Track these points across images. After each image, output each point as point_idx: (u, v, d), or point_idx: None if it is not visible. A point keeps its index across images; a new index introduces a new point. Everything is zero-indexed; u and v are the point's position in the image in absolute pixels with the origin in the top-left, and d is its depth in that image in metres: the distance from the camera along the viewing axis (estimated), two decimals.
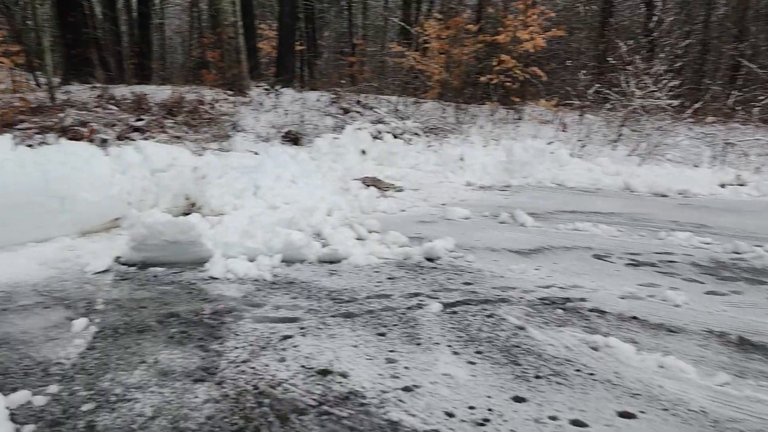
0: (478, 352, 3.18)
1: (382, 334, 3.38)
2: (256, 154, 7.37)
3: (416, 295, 4.03)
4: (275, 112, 12.48)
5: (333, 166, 7.11)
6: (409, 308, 3.78)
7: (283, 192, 6.21)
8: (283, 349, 3.18)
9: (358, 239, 5.20)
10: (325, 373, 2.92)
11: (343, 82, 15.74)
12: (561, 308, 3.85)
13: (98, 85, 13.66)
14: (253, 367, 2.98)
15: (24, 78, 16.67)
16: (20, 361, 2.98)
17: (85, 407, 2.58)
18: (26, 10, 18.71)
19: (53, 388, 2.72)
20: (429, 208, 7.16)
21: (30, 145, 9.56)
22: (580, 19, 20.83)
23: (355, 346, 3.23)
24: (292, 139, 10.33)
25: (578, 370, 3.02)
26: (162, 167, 5.53)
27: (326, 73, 19.92)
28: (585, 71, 13.96)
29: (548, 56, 15.81)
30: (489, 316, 3.69)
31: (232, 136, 10.18)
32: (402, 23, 18.46)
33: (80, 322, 3.39)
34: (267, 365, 3.00)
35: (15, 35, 16.57)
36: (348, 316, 3.66)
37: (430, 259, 4.84)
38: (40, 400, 2.62)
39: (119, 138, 10.19)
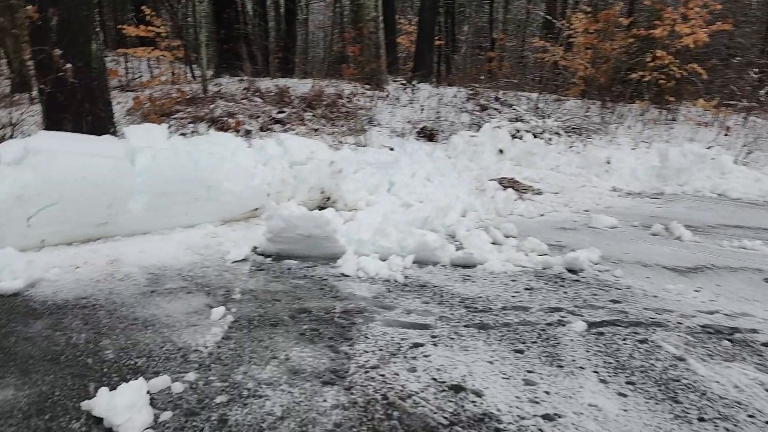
0: (630, 383, 2.83)
1: (520, 351, 3.13)
2: (391, 149, 7.32)
3: (557, 310, 3.72)
4: (411, 108, 12.44)
5: (469, 165, 6.87)
6: (549, 324, 3.49)
7: (418, 190, 6.08)
8: (414, 358, 3.03)
9: (493, 244, 4.94)
10: (457, 389, 2.73)
11: (481, 77, 15.39)
12: (728, 339, 3.37)
13: (246, 78, 14.40)
14: (382, 375, 2.86)
15: (182, 71, 18.01)
16: (163, 344, 3.08)
17: (218, 399, 2.59)
18: (187, 7, 20.13)
19: (191, 376, 2.77)
20: (570, 213, 6.70)
21: (183, 134, 10.26)
22: (749, 12, 18.83)
23: (490, 362, 3.01)
24: (427, 135, 10.21)
25: (751, 416, 2.60)
26: (300, 160, 5.60)
27: (464, 68, 19.61)
28: (756, 69, 12.52)
29: (709, 52, 14.40)
30: (642, 341, 3.30)
31: (367, 130, 10.23)
32: (547, 17, 17.70)
33: (218, 311, 3.46)
34: (397, 374, 2.87)
35: (177, 31, 17.92)
36: (482, 327, 3.44)
37: (572, 271, 4.48)
38: (178, 387, 2.66)
39: (262, 129, 10.63)
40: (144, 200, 4.74)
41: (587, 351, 3.15)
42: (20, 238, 4.27)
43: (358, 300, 3.80)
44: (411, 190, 6.07)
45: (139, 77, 17.80)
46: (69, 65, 5.22)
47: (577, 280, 4.31)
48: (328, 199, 5.77)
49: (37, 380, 2.69)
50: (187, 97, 12.35)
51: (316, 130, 10.79)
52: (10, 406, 2.48)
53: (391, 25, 16.50)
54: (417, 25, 18.44)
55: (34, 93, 8.83)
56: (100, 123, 5.69)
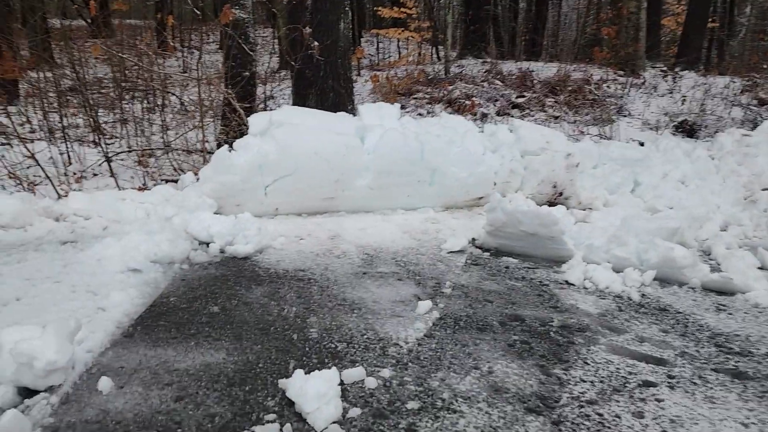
0: None
1: None
2: (641, 144, 6.48)
3: None
4: (670, 98, 11.07)
5: (737, 169, 5.78)
6: None
7: (669, 193, 5.26)
8: (642, 400, 2.50)
9: (761, 269, 4.03)
10: None
11: (764, 66, 13.12)
12: None
13: (489, 60, 14.14)
14: (600, 414, 2.40)
15: (428, 52, 18.40)
16: (365, 332, 2.98)
17: (410, 405, 2.39)
18: None
19: (386, 373, 2.61)
20: None
21: (420, 114, 10.39)
22: None
23: (744, 425, 2.37)
24: (687, 130, 8.94)
25: None
26: (534, 150, 5.18)
27: (741, 55, 16.96)
28: None
29: None
30: None
31: (615, 120, 9.31)
32: None
33: (425, 305, 3.27)
34: (618, 417, 2.38)
35: (428, 12, 18.32)
36: (738, 375, 2.75)
37: None
38: (371, 383, 2.52)
39: (498, 113, 10.31)
40: (369, 178, 4.75)
41: None
42: (258, 205, 4.56)
43: (581, 315, 3.33)
44: (660, 193, 5.28)
45: (389, 57, 18.63)
46: (316, 43, 5.46)
47: None
48: (560, 194, 5.27)
49: (246, 348, 2.76)
50: (429, 77, 12.52)
51: (556, 117, 10.15)
52: (219, 370, 2.56)
53: (656, 4, 14.85)
54: (687, 4, 16.36)
55: None
56: (340, 99, 5.89)
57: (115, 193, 4.47)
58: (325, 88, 5.82)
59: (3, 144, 6.06)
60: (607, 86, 12.02)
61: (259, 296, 3.34)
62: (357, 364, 2.64)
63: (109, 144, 7.13)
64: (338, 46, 5.78)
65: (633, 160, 5.66)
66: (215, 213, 4.48)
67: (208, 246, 3.89)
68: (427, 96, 10.63)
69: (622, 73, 12.65)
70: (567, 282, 3.82)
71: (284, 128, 4.58)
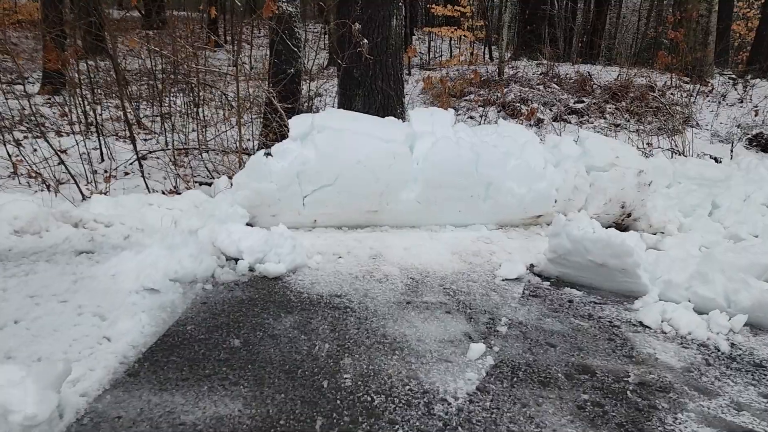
0: None
1: None
2: (716, 161, 5.84)
3: None
4: (741, 108, 10.26)
5: None
6: None
7: (752, 218, 4.65)
8: None
9: None
10: None
11: None
12: None
13: (545, 61, 13.49)
14: None
15: (480, 52, 17.81)
16: (407, 381, 2.54)
17: None
18: None
19: None
20: None
21: (472, 117, 9.88)
22: None
23: None
24: (763, 144, 8.18)
25: None
26: (601, 165, 4.64)
27: None
28: None
29: None
30: None
31: (682, 131, 8.60)
32: None
33: (478, 348, 2.81)
34: None
35: (482, 11, 17.73)
36: None
37: None
38: None
39: (555, 119, 9.71)
40: (417, 191, 4.31)
41: None
42: (294, 216, 4.17)
43: (662, 369, 2.82)
44: (742, 218, 4.67)
45: (440, 56, 18.13)
46: (365, 41, 5.04)
47: None
48: (629, 215, 4.72)
49: (267, 397, 2.36)
50: (482, 79, 11.98)
51: (617, 125, 9.49)
52: (232, 427, 2.16)
53: (727, 7, 13.93)
54: (761, 8, 15.33)
55: None
56: (389, 102, 5.46)
57: (142, 197, 4.14)
58: (373, 89, 5.40)
59: (37, 137, 5.84)
60: (672, 93, 11.26)
61: (288, 327, 2.94)
62: (396, 427, 2.21)
63: (147, 139, 6.88)
64: (389, 44, 5.36)
65: (711, 180, 5.05)
66: (248, 224, 4.11)
67: (236, 263, 3.51)
68: (480, 98, 10.10)
69: (687, 79, 11.85)
70: (642, 324, 3.31)
71: (326, 133, 4.17)
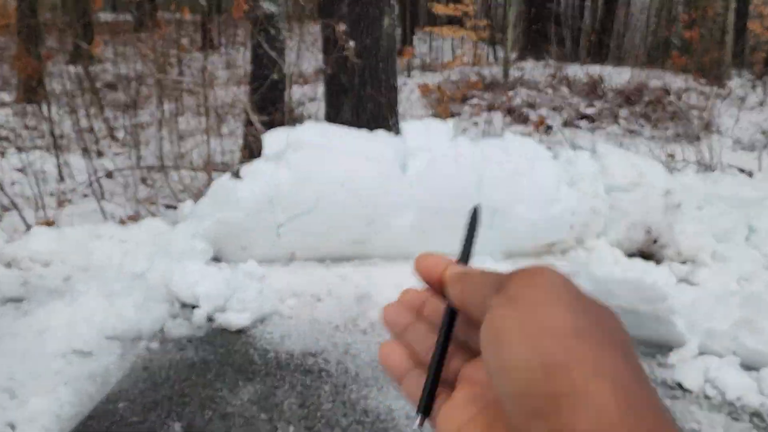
0: None
1: None
2: (748, 174, 5.24)
3: None
4: (761, 111, 9.65)
5: None
6: None
7: None
8: None
9: None
10: None
11: None
12: None
13: (552, 62, 12.90)
14: None
15: (484, 52, 17.23)
16: None
17: None
18: None
19: None
20: None
21: (476, 123, 9.29)
22: None
23: None
24: None
25: None
26: (622, 185, 4.06)
27: None
28: None
29: None
30: None
31: (702, 138, 8.00)
32: None
33: None
34: None
35: (486, 10, 17.17)
36: None
37: None
38: None
39: (565, 124, 9.12)
40: (410, 217, 3.73)
41: None
42: (268, 248, 3.60)
43: None
44: None
45: (441, 57, 17.56)
46: (352, 43, 4.47)
47: None
48: (655, 242, 4.13)
49: None
50: (486, 82, 11.40)
51: (631, 131, 8.89)
52: None
53: (743, 5, 13.29)
54: None
55: None
56: (381, 111, 4.88)
57: (92, 228, 3.58)
58: (362, 98, 4.82)
59: None
60: (688, 96, 10.66)
61: (246, 402, 2.37)
62: None
63: (118, 153, 6.33)
64: (380, 47, 4.78)
65: (746, 200, 4.45)
66: (214, 258, 3.55)
67: (193, 310, 2.95)
68: (485, 103, 9.52)
69: (703, 81, 11.25)
70: (679, 385, 2.73)
71: (303, 152, 3.60)
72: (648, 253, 4.19)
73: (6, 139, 6.31)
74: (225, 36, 16.18)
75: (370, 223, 3.65)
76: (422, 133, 4.04)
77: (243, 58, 8.98)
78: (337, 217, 3.60)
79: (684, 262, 4.11)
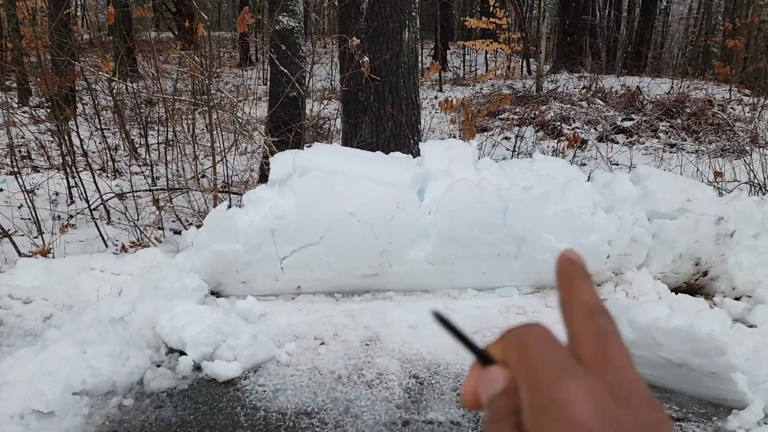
0: None
1: None
2: None
3: None
4: None
5: None
6: None
7: None
8: None
9: None
10: None
11: None
12: None
13: (587, 74, 12.42)
14: None
15: (518, 65, 16.82)
16: None
17: None
18: None
19: None
20: None
21: (507, 138, 8.89)
22: None
23: None
24: None
25: None
26: (667, 211, 3.62)
27: None
28: None
29: None
30: None
31: (749, 152, 7.45)
32: None
33: None
34: None
35: (520, 22, 16.74)
36: None
37: None
38: None
39: (600, 139, 8.65)
40: (428, 248, 3.37)
41: None
42: (272, 282, 3.28)
43: None
44: None
45: (475, 71, 17.22)
46: (366, 58, 4.14)
47: None
48: (705, 274, 3.68)
49: None
50: (518, 94, 11.00)
51: (672, 146, 8.36)
52: None
53: None
54: None
55: None
56: (401, 130, 4.55)
57: (83, 260, 3.31)
58: (381, 116, 4.49)
59: (14, 172, 5.14)
60: (732, 108, 10.08)
61: None
62: None
63: (138, 173, 6.13)
64: (400, 62, 4.44)
65: None
66: (213, 293, 3.25)
67: (180, 357, 2.63)
68: (516, 117, 9.11)
69: (748, 92, 10.65)
70: None
71: (310, 177, 3.28)
72: (696, 286, 3.75)
73: (27, 157, 6.16)
74: (263, 52, 16.11)
75: (383, 255, 3.30)
76: (443, 155, 3.68)
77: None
78: (346, 249, 3.26)
79: (739, 298, 3.65)
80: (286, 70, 4.71)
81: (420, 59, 11.74)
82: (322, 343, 2.92)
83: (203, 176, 5.30)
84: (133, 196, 5.03)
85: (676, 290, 3.66)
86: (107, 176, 5.64)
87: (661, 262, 3.63)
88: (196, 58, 5.00)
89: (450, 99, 5.08)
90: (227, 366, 2.54)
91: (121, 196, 5.14)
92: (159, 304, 2.81)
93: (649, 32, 16.61)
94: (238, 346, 2.59)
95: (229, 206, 3.70)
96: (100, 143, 7.45)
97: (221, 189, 4.40)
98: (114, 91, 6.76)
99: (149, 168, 5.89)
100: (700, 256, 3.63)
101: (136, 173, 6.11)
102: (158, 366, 2.59)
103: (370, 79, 4.20)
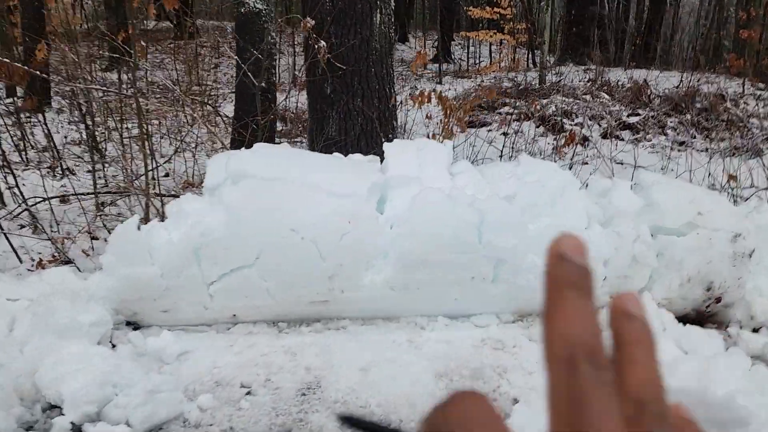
0: None
1: None
2: None
3: None
4: None
5: None
6: None
7: None
8: None
9: None
10: None
11: None
12: None
13: (593, 67, 11.81)
14: None
15: (522, 57, 16.22)
16: None
17: None
18: None
19: None
20: None
21: (505, 134, 8.30)
22: None
23: None
24: None
25: None
26: (675, 226, 3.06)
27: None
28: None
29: None
30: None
31: (765, 151, 6.86)
32: None
33: None
34: None
35: (525, 13, 16.11)
36: None
37: None
38: None
39: (604, 136, 8.06)
40: (389, 271, 2.82)
41: None
42: (200, 311, 2.75)
43: None
44: None
45: (480, 62, 16.65)
46: (323, 43, 3.58)
47: None
48: (718, 301, 3.12)
49: None
50: (520, 87, 10.42)
51: (681, 143, 7.77)
52: None
53: None
54: None
55: None
56: (372, 127, 3.99)
57: None
58: (350, 110, 3.94)
59: None
60: (745, 102, 9.46)
61: None
62: None
63: (89, 171, 5.60)
64: (371, 49, 3.88)
65: None
66: (129, 323, 2.71)
67: (59, 416, 2.10)
68: (516, 111, 8.52)
69: (762, 86, 10.05)
70: None
71: (244, 185, 2.73)
72: (707, 314, 3.18)
73: None
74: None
75: (332, 279, 2.75)
76: (411, 158, 3.13)
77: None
78: (287, 273, 2.72)
79: (758, 329, 3.09)
80: (259, 56, 4.12)
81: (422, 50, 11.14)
82: (249, 392, 2.37)
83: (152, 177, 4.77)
84: (78, 199, 4.50)
85: (683, 318, 3.11)
86: (53, 176, 5.10)
87: (666, 286, 3.07)
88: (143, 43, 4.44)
89: (423, 90, 4.50)
90: (113, 431, 2.00)
91: (65, 199, 4.61)
92: (47, 343, 2.28)
93: (659, 24, 15.92)
94: (130, 405, 2.06)
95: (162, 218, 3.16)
96: (65, 137, 6.95)
97: (158, 193, 3.85)
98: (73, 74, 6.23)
99: (102, 166, 5.36)
100: (712, 280, 3.06)
101: (88, 171, 5.59)
102: (28, 430, 2.06)
103: (327, 67, 3.64)
